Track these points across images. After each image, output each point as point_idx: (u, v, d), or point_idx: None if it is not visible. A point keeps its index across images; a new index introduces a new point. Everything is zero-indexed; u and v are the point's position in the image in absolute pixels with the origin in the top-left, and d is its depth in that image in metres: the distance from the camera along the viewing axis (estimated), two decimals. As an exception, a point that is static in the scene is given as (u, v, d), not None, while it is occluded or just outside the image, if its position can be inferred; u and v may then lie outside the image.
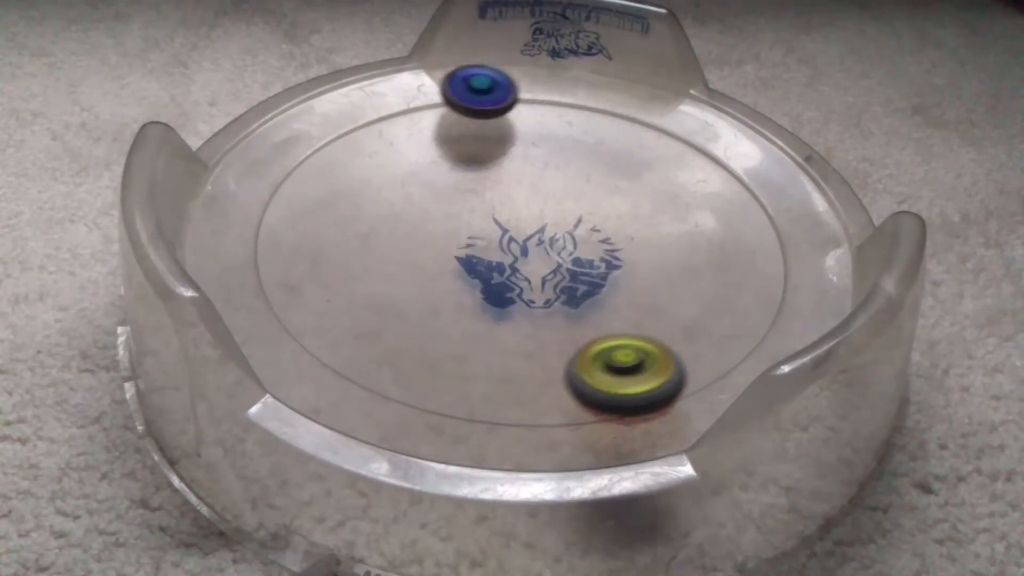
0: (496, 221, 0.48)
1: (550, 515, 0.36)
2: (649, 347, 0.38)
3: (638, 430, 0.39)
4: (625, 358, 0.38)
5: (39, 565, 0.38)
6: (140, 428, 0.43)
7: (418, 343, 0.43)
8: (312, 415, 0.38)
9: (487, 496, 0.36)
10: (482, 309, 0.44)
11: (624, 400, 0.37)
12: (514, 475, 0.37)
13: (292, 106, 0.52)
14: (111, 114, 0.59)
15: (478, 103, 0.51)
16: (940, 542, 0.41)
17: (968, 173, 0.59)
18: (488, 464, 0.37)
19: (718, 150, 0.52)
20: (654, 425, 0.39)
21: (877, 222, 0.46)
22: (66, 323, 0.47)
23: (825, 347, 0.37)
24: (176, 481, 0.41)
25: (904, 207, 0.56)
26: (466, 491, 0.36)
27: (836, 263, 0.46)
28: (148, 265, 0.38)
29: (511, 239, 0.47)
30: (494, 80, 0.52)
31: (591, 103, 0.55)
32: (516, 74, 0.55)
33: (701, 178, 0.51)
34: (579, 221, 0.48)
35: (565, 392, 0.41)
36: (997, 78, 0.67)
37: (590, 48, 0.55)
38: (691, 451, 0.37)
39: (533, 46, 0.56)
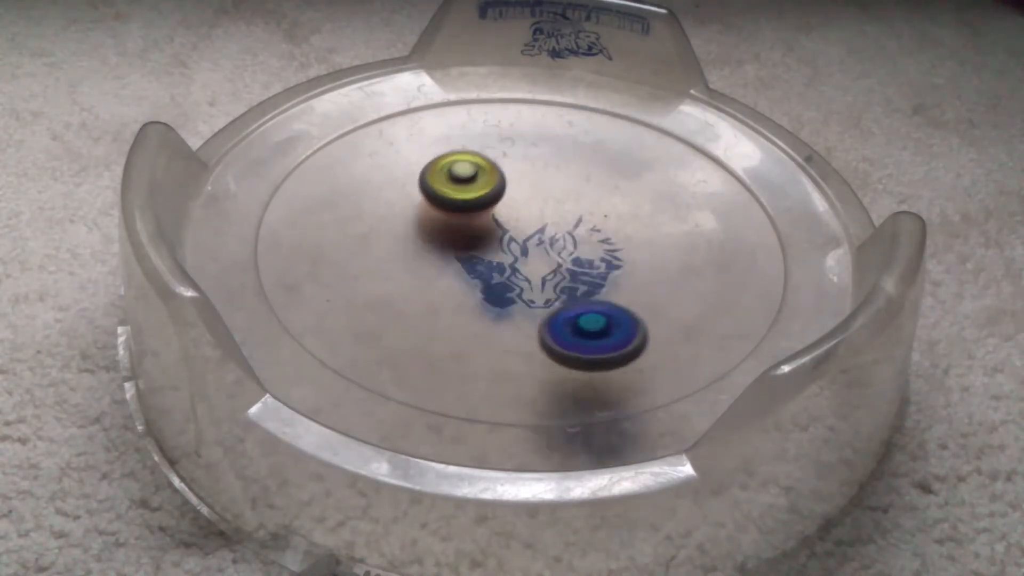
0: (496, 221, 0.48)
1: (550, 515, 0.36)
2: (482, 162, 0.48)
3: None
4: (463, 171, 0.47)
5: (39, 565, 0.38)
6: (140, 428, 0.43)
7: (418, 343, 0.43)
8: (312, 415, 0.38)
9: (487, 496, 0.36)
10: (482, 309, 0.44)
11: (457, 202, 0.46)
12: (514, 475, 0.37)
13: (292, 106, 0.52)
14: (111, 114, 0.59)
15: (593, 350, 0.40)
16: (940, 542, 0.41)
17: (968, 173, 0.59)
18: (488, 464, 0.37)
19: (718, 150, 0.52)
20: (653, 425, 0.39)
21: (877, 222, 0.46)
22: (66, 323, 0.47)
23: (825, 347, 0.37)
24: (176, 481, 0.41)
25: (904, 207, 0.56)
26: (466, 491, 0.36)
27: (836, 263, 0.46)
28: (148, 265, 0.38)
29: (511, 239, 0.47)
30: (610, 318, 0.41)
31: (591, 103, 0.55)
32: (516, 74, 0.56)
33: (701, 178, 0.51)
34: (579, 221, 0.48)
35: (565, 392, 0.41)
36: (997, 78, 0.67)
37: (590, 48, 0.55)
38: (691, 451, 0.37)
39: (533, 46, 0.56)
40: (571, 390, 0.41)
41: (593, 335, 0.40)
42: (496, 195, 0.47)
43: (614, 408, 0.40)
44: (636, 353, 0.40)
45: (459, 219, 0.47)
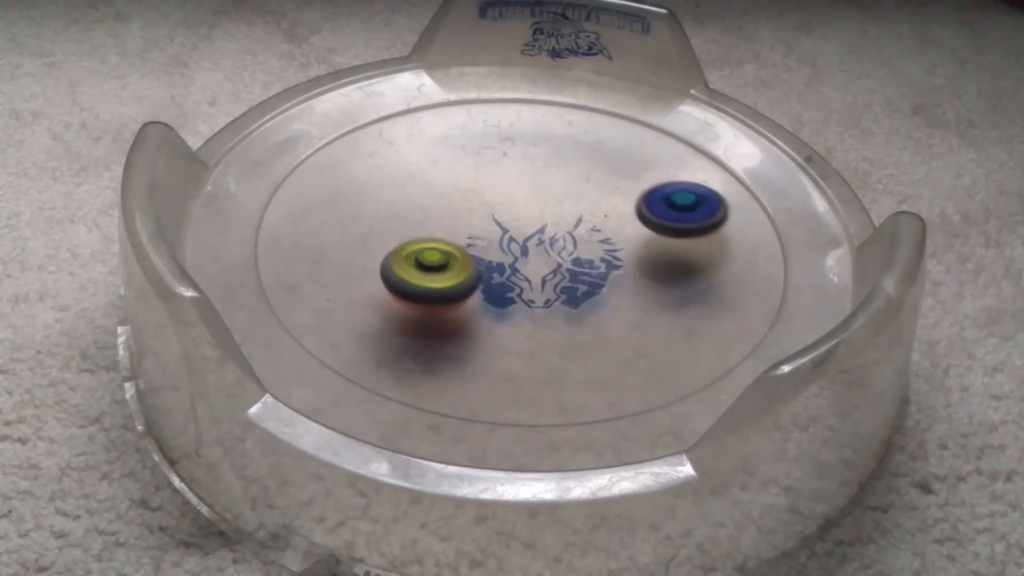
0: (496, 221, 0.48)
1: (550, 515, 0.36)
2: (454, 251, 0.43)
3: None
4: (432, 258, 0.42)
5: (39, 565, 0.38)
6: (140, 428, 0.43)
7: (418, 343, 0.42)
8: (312, 415, 0.38)
9: (487, 496, 0.36)
10: (482, 309, 0.44)
11: (427, 292, 0.42)
12: (514, 475, 0.37)
13: (292, 106, 0.52)
14: (111, 114, 0.59)
15: (683, 221, 0.46)
16: (940, 542, 0.41)
17: (968, 173, 0.59)
18: (488, 464, 0.37)
19: (718, 150, 0.52)
20: (653, 425, 0.39)
21: (877, 222, 0.46)
22: (66, 323, 0.47)
23: (825, 347, 0.37)
24: (176, 481, 0.41)
25: (904, 207, 0.56)
26: (466, 491, 0.36)
27: (836, 263, 0.46)
28: (148, 265, 0.38)
29: (511, 239, 0.47)
30: (698, 195, 0.47)
31: (591, 103, 0.55)
32: (516, 74, 0.56)
33: (701, 178, 0.51)
34: (579, 221, 0.48)
35: (565, 392, 0.41)
36: (997, 78, 0.67)
37: (590, 48, 0.55)
38: (691, 451, 0.37)
39: (533, 46, 0.56)
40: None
41: (684, 208, 0.46)
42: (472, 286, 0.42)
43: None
44: (720, 223, 0.46)
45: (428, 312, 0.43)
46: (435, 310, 0.43)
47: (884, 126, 0.62)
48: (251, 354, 0.39)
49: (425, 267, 0.42)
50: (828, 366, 0.37)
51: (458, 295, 0.42)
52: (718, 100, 0.55)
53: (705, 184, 0.48)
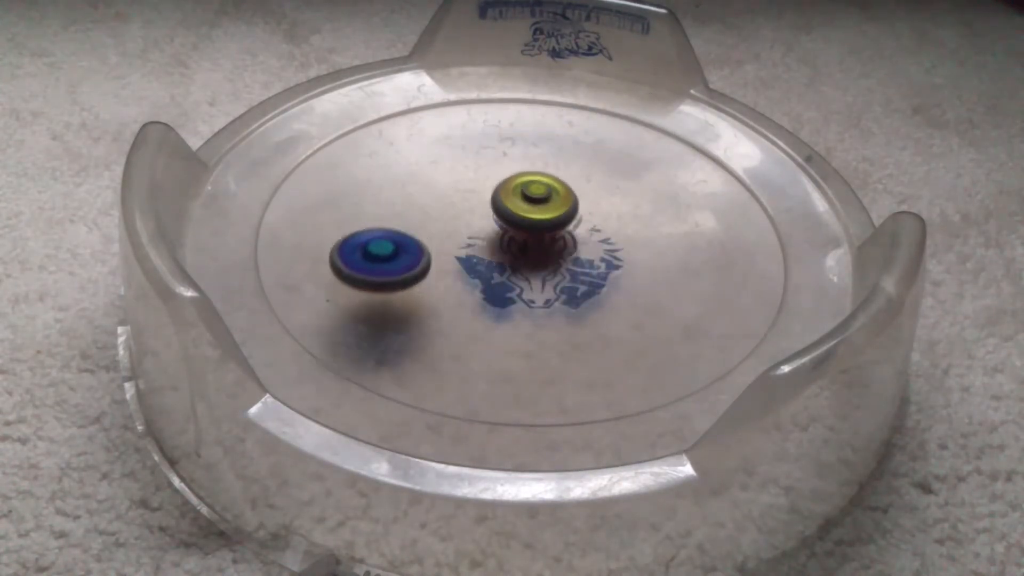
0: (496, 221, 0.48)
1: (550, 515, 0.36)
2: (558, 185, 0.47)
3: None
4: (537, 191, 0.46)
5: (39, 565, 0.38)
6: (140, 428, 0.43)
7: (418, 343, 0.43)
8: (312, 415, 0.38)
9: (487, 496, 0.36)
10: (482, 309, 0.44)
11: (532, 223, 0.46)
12: (514, 475, 0.37)
13: (292, 106, 0.52)
14: (111, 114, 0.59)
15: (381, 273, 0.42)
16: (940, 542, 0.41)
17: (968, 173, 0.59)
18: (488, 464, 0.37)
19: (718, 150, 0.52)
20: (653, 425, 0.39)
21: (877, 222, 0.46)
22: (66, 323, 0.47)
23: (825, 347, 0.37)
24: (176, 481, 0.41)
25: (904, 207, 0.56)
26: (466, 491, 0.36)
27: (836, 263, 0.46)
28: (148, 265, 0.38)
29: (511, 239, 0.47)
30: (397, 243, 0.43)
31: (591, 103, 0.55)
32: (516, 74, 0.56)
33: (701, 178, 0.51)
34: (579, 221, 0.48)
35: (565, 392, 0.41)
36: (997, 78, 0.67)
37: (590, 48, 0.55)
38: (691, 451, 0.37)
39: (533, 46, 0.56)
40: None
41: (382, 259, 0.42)
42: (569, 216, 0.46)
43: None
44: (421, 276, 0.43)
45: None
46: (537, 237, 0.47)
47: (884, 126, 0.62)
48: (251, 354, 0.39)
49: (530, 199, 0.46)
50: (828, 366, 0.37)
51: (555, 225, 0.46)
52: (718, 100, 0.55)
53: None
